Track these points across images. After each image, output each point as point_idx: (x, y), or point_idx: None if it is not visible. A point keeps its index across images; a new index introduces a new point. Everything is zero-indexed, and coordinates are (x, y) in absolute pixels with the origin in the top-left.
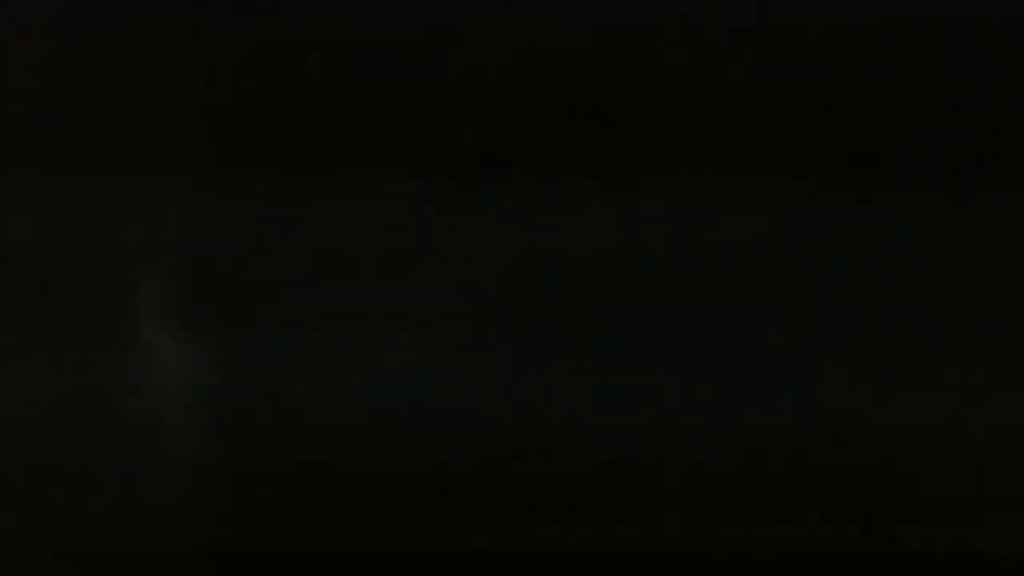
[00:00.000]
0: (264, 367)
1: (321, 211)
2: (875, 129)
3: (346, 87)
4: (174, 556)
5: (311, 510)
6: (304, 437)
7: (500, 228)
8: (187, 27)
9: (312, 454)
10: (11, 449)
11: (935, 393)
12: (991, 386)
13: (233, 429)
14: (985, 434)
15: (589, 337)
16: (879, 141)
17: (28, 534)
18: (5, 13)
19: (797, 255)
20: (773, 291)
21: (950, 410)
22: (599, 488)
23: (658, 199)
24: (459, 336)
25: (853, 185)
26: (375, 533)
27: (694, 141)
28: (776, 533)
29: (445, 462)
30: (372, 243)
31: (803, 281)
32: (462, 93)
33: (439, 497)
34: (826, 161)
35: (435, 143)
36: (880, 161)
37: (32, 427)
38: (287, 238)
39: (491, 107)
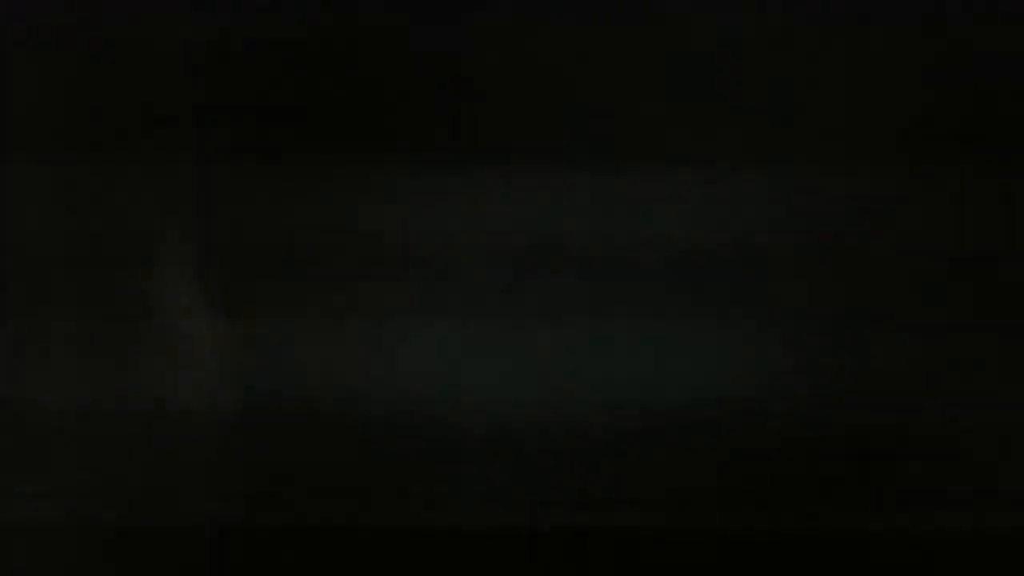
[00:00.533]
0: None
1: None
2: None
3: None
4: (201, 535)
5: (338, 494)
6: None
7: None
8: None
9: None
10: (45, 431)
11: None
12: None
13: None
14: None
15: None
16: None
17: (63, 511)
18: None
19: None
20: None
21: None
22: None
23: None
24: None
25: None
26: (402, 512)
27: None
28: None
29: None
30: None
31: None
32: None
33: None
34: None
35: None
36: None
37: (68, 412)
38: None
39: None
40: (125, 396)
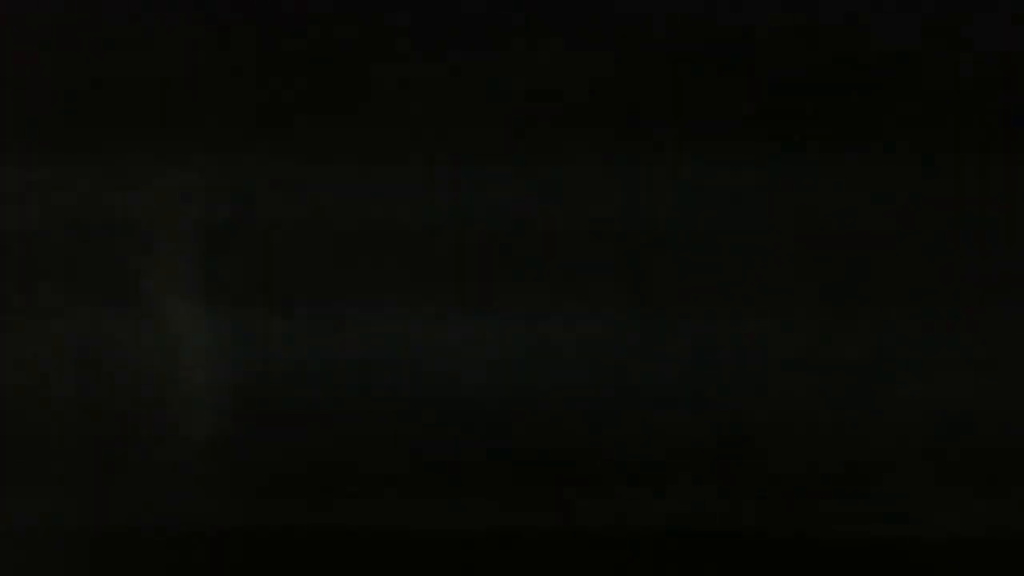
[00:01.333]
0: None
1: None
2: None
3: None
4: (186, 535)
5: (332, 490)
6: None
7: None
8: None
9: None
10: (31, 421)
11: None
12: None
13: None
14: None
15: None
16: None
17: (44, 509)
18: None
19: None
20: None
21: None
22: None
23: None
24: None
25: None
26: (391, 511)
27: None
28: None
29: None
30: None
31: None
32: None
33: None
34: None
35: None
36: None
37: (53, 399)
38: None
39: None
40: None
